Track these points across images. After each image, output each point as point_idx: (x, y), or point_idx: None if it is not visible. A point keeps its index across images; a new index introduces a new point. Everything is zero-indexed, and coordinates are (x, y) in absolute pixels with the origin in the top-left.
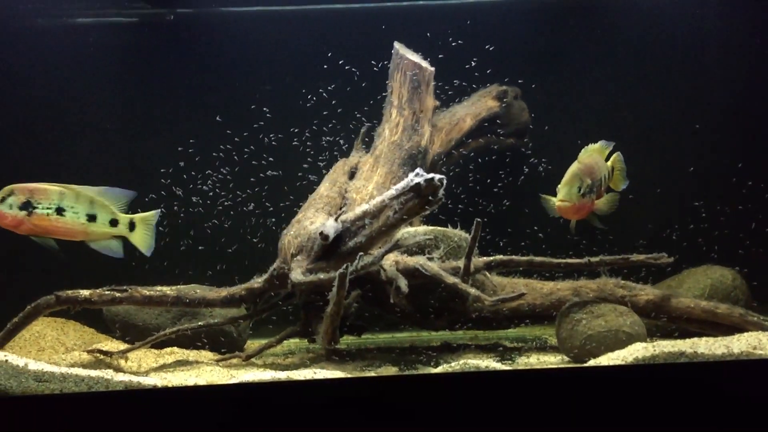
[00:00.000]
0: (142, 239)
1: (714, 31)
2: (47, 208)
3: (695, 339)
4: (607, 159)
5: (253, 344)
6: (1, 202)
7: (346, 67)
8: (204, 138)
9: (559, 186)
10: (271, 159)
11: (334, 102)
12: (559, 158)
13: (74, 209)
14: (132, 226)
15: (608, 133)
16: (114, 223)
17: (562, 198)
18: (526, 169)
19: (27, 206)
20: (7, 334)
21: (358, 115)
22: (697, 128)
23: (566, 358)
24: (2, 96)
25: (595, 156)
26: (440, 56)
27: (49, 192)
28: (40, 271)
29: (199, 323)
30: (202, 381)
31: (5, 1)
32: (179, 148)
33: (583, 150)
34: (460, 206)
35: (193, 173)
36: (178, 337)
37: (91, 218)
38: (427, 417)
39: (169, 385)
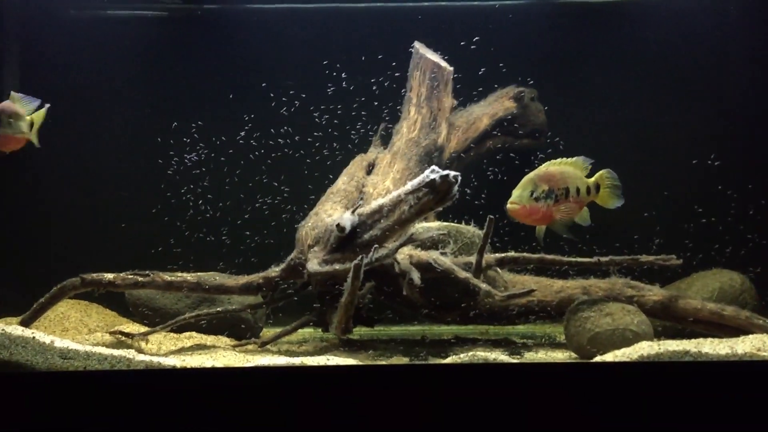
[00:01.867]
0: None
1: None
2: None
3: (701, 339)
4: (591, 175)
5: (269, 332)
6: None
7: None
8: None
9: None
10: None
11: (357, 99)
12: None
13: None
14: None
15: (622, 133)
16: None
17: (511, 200)
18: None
19: None
20: (34, 313)
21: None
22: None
23: (574, 355)
24: (33, 87)
25: (563, 167)
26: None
27: None
28: (67, 254)
29: (218, 309)
30: (219, 364)
31: None
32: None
33: (549, 162)
34: (476, 202)
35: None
36: (197, 322)
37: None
38: (434, 406)
39: (188, 366)
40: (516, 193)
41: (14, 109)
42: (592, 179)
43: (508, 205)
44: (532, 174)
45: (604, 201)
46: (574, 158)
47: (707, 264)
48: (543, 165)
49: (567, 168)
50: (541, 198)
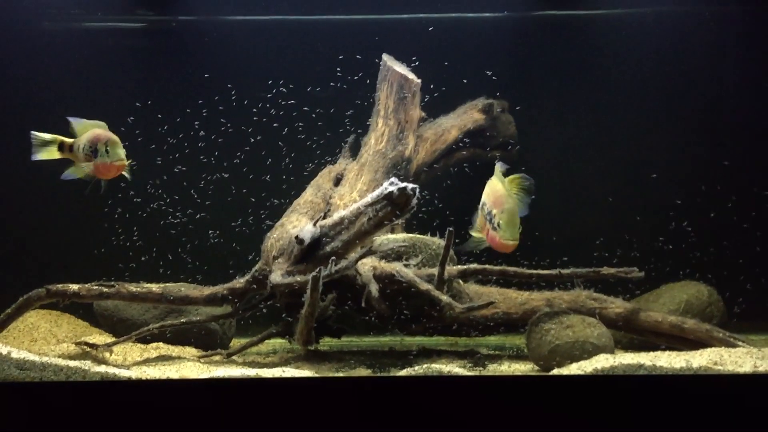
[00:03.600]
0: None
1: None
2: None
3: (658, 352)
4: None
5: (237, 343)
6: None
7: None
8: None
9: (499, 224)
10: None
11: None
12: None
13: None
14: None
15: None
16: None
17: (511, 237)
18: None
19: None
20: (0, 324)
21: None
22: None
23: (536, 367)
24: (5, 98)
25: (498, 189)
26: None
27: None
28: (41, 265)
29: (182, 320)
30: (176, 376)
31: (8, 4)
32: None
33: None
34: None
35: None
36: (165, 333)
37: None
38: (386, 417)
39: (143, 377)
40: (510, 231)
41: (109, 136)
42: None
43: (510, 243)
44: (513, 205)
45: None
46: (495, 170)
47: (676, 276)
48: (486, 191)
49: (493, 184)
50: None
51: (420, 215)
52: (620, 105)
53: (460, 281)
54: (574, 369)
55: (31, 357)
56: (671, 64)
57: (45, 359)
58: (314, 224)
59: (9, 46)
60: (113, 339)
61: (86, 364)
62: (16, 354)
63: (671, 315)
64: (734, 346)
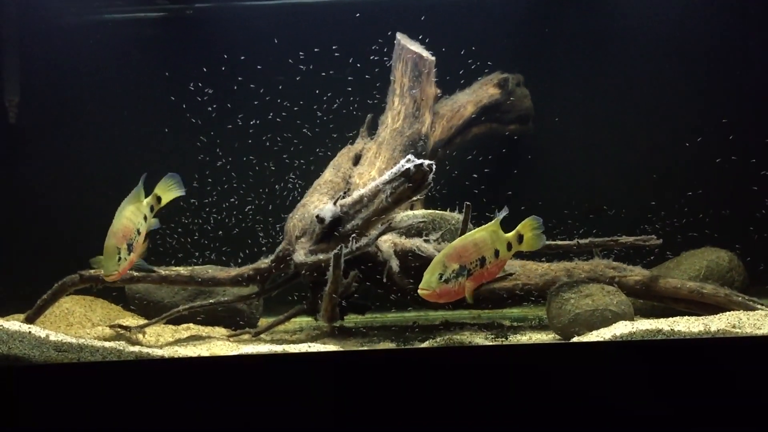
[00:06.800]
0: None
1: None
2: None
3: (677, 318)
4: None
5: (266, 321)
6: None
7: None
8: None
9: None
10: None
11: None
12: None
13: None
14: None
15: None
16: None
17: (421, 286)
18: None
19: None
20: (37, 310)
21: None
22: None
23: (557, 336)
24: (26, 90)
25: (476, 236)
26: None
27: None
28: (72, 253)
29: (210, 301)
30: (207, 353)
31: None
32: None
33: (463, 236)
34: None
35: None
36: (195, 314)
37: None
38: (411, 389)
39: (176, 356)
40: (425, 278)
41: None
42: (512, 233)
43: (419, 292)
44: (441, 254)
45: (530, 246)
46: (490, 222)
47: (698, 243)
48: (456, 240)
49: (479, 236)
50: (450, 278)
51: (444, 191)
52: (637, 74)
53: None
54: (593, 336)
55: (69, 339)
56: (693, 31)
57: (82, 341)
58: (335, 203)
59: (32, 40)
60: (145, 321)
61: (121, 345)
62: (54, 337)
63: (690, 281)
64: (753, 309)
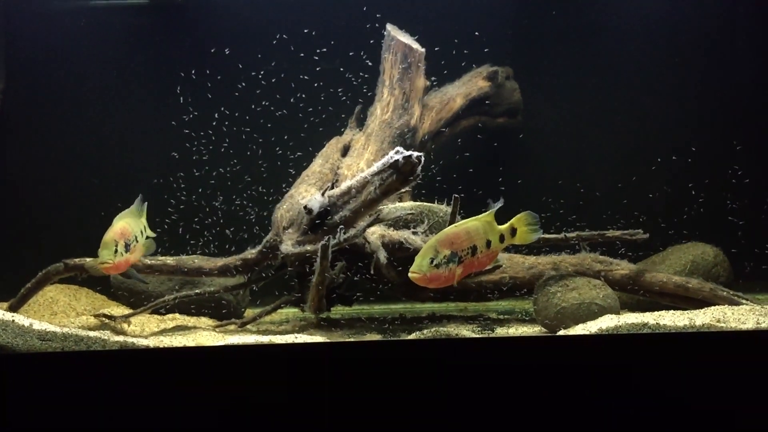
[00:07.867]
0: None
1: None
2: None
3: (663, 312)
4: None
5: (252, 312)
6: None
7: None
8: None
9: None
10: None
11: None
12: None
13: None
14: None
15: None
16: None
17: (411, 269)
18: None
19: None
20: (21, 298)
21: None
22: None
23: (543, 329)
24: (10, 78)
25: (468, 225)
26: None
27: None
28: (56, 242)
29: (196, 291)
30: (192, 343)
31: None
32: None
33: (456, 223)
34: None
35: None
36: (181, 304)
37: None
38: (397, 381)
39: (161, 345)
40: (416, 261)
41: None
42: (506, 225)
43: (410, 275)
44: (433, 239)
45: (523, 240)
46: (485, 213)
47: (682, 238)
48: (449, 227)
49: (472, 225)
50: (441, 264)
51: (435, 184)
52: (626, 66)
53: None
54: (579, 329)
55: (53, 328)
56: (686, 22)
57: (66, 330)
58: (322, 194)
59: (22, 26)
60: (130, 311)
61: (105, 335)
62: (38, 326)
63: (676, 276)
64: (738, 304)
